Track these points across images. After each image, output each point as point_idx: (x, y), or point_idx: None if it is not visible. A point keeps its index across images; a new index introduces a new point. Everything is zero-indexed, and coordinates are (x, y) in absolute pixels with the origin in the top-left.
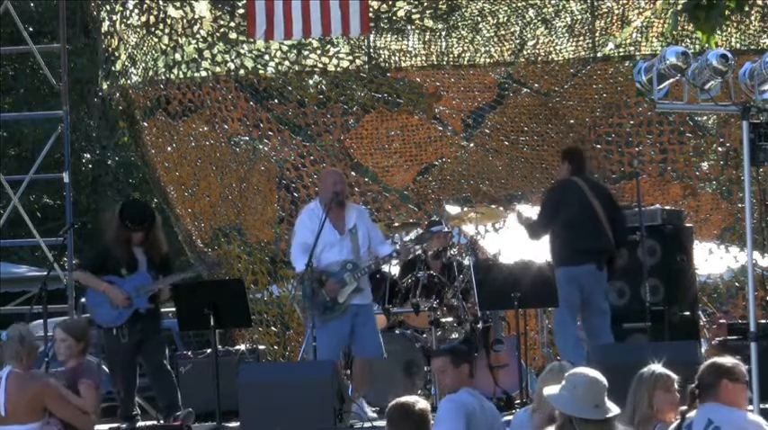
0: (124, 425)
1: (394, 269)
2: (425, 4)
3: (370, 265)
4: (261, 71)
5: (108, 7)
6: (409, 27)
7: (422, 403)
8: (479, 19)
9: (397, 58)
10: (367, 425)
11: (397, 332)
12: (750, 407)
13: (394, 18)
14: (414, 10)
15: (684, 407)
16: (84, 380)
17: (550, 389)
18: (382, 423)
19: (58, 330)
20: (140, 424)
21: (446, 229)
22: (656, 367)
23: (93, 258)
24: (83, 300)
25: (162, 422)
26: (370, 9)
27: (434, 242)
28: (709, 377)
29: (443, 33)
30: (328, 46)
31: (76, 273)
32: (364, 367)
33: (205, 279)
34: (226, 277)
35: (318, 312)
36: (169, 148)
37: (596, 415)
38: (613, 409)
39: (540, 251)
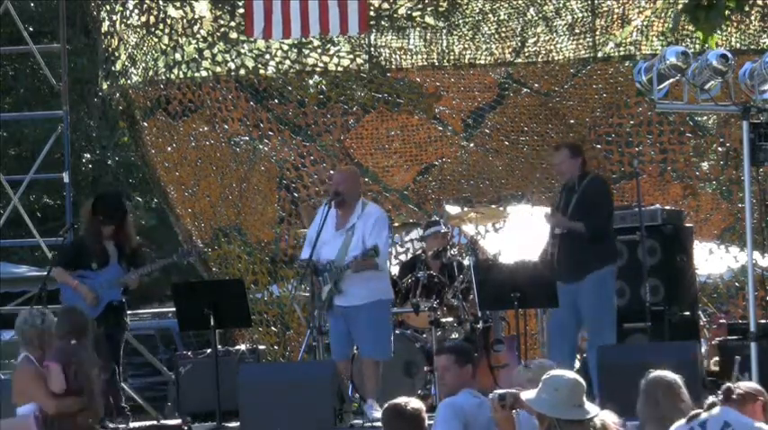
0: (121, 427)
1: (394, 269)
2: (426, 1)
3: (348, 266)
4: (261, 71)
5: (108, 7)
6: (410, 25)
7: (415, 403)
8: (480, 17)
9: (397, 57)
10: (367, 425)
11: (397, 332)
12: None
13: (395, 15)
14: (415, 7)
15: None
16: (48, 361)
17: (528, 394)
18: None
19: None
20: (140, 424)
21: (443, 230)
22: (667, 373)
23: (65, 254)
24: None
25: (161, 422)
26: (371, 7)
27: (434, 242)
28: (740, 392)
29: (444, 31)
30: (329, 45)
31: (53, 270)
32: (364, 368)
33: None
34: (226, 277)
35: (317, 308)
36: (169, 148)
37: (580, 415)
38: (593, 409)
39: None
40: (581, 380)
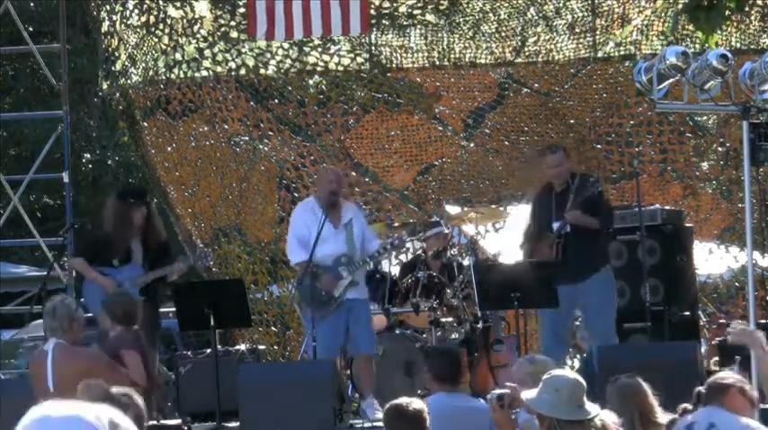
0: None
1: (394, 269)
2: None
3: (365, 259)
4: (262, 70)
5: (108, 7)
6: (411, 23)
7: (417, 403)
8: (481, 15)
9: (398, 55)
10: (367, 425)
11: (397, 332)
12: None
13: (395, 13)
14: (415, 5)
15: (687, 405)
16: (125, 349)
17: (528, 394)
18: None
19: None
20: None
21: (445, 231)
22: (634, 377)
23: (88, 246)
24: (82, 300)
25: (161, 422)
26: (372, 5)
27: (434, 242)
28: (720, 382)
29: (445, 29)
30: (329, 44)
31: (73, 260)
32: (365, 364)
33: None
34: (226, 277)
35: (315, 308)
36: (169, 148)
37: (580, 415)
38: (593, 409)
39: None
40: (582, 380)
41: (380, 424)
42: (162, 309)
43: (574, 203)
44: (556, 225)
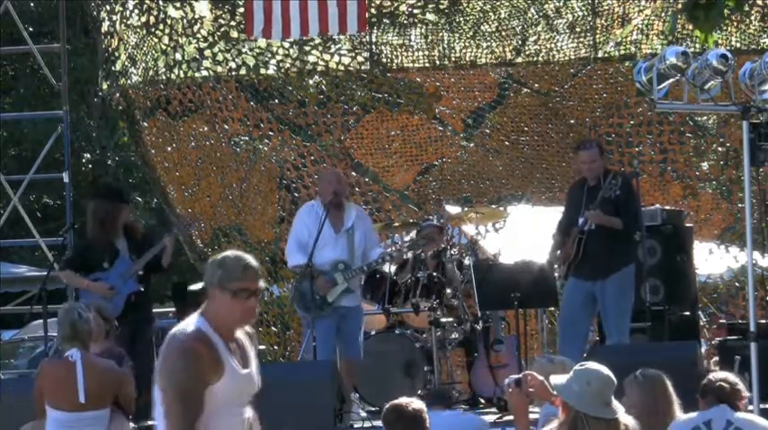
0: None
1: (392, 268)
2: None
3: (363, 268)
4: (262, 70)
5: (108, 7)
6: (412, 21)
7: (416, 403)
8: (481, 15)
9: (398, 54)
10: (367, 424)
11: (396, 332)
12: (750, 408)
13: (396, 12)
14: (416, 5)
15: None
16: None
17: (558, 379)
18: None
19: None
20: (140, 424)
21: (436, 224)
22: (652, 370)
23: (74, 257)
24: (83, 300)
25: None
26: (372, 5)
27: (430, 245)
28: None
29: (446, 28)
30: (329, 43)
31: (61, 273)
32: (347, 368)
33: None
34: None
35: (307, 310)
36: (169, 148)
37: (608, 414)
38: (619, 408)
39: (539, 251)
40: (613, 377)
41: (379, 423)
42: (162, 309)
43: (596, 203)
44: (581, 221)
